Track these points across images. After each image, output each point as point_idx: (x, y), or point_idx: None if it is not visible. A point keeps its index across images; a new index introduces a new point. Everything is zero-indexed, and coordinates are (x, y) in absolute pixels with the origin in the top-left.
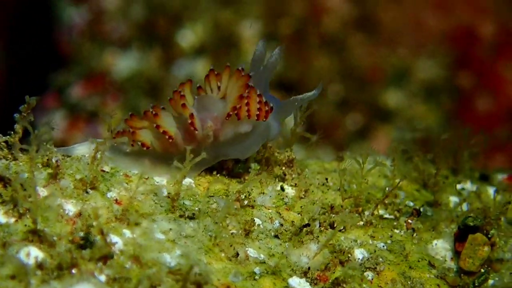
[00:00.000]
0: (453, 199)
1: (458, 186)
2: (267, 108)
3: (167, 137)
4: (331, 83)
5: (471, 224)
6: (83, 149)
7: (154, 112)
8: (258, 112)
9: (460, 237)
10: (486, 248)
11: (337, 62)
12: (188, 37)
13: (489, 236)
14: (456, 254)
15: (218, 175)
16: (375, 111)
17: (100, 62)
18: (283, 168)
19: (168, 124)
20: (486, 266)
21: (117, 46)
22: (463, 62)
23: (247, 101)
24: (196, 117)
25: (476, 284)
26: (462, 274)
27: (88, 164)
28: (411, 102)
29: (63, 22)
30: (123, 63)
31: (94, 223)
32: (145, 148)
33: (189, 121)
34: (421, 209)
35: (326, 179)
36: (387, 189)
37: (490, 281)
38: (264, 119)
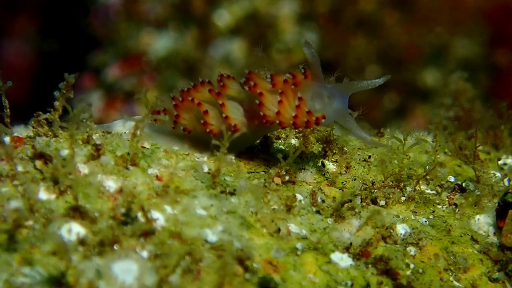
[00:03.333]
0: (495, 174)
1: (500, 162)
2: (315, 121)
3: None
4: (368, 63)
5: (510, 200)
6: (123, 125)
7: (221, 102)
8: (304, 124)
9: (501, 213)
10: None
11: (374, 42)
12: (225, 17)
13: None
14: (498, 230)
15: (258, 151)
16: (413, 90)
17: (136, 42)
18: (323, 144)
19: (214, 120)
20: None
21: (153, 26)
22: (500, 39)
23: (297, 114)
24: (240, 123)
25: None
26: (505, 250)
27: (128, 140)
28: (448, 80)
29: (99, 2)
30: (159, 43)
31: (135, 200)
32: (187, 132)
33: (233, 130)
34: (464, 184)
35: (369, 156)
36: (426, 167)
37: None
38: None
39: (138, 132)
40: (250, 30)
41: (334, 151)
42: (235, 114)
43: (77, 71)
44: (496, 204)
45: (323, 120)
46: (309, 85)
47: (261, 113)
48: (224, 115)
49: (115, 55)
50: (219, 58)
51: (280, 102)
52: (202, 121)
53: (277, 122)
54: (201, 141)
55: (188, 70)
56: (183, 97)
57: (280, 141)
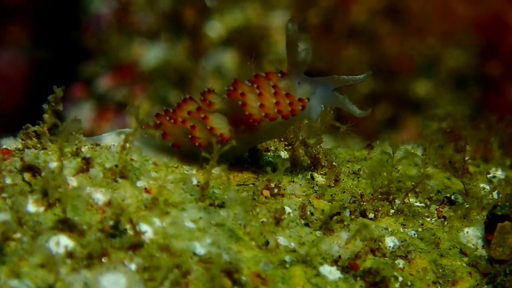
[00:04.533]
0: (484, 187)
1: (489, 175)
2: (300, 105)
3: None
4: (360, 73)
5: (499, 213)
6: (112, 138)
7: (203, 115)
8: (290, 109)
9: (490, 226)
10: None
11: (366, 52)
12: (217, 28)
13: None
14: (487, 242)
15: (247, 164)
16: (404, 101)
17: (128, 52)
18: (312, 159)
19: (201, 133)
20: None
21: (145, 37)
22: (492, 51)
23: (277, 100)
24: (226, 131)
25: (508, 272)
26: (493, 263)
27: (117, 153)
28: (440, 91)
29: (91, 13)
30: (151, 54)
31: (124, 212)
32: (176, 148)
33: (220, 139)
34: (453, 197)
35: (359, 169)
36: (413, 184)
37: None
38: (296, 114)
39: (127, 145)
40: (242, 41)
41: (323, 164)
42: (220, 124)
43: (69, 81)
44: (485, 217)
45: (307, 101)
46: (288, 77)
47: (247, 113)
48: (208, 127)
49: (106, 66)
50: (211, 69)
51: (260, 94)
52: (190, 136)
53: (263, 115)
54: (190, 153)
55: (180, 81)
56: (168, 116)
57: (269, 153)
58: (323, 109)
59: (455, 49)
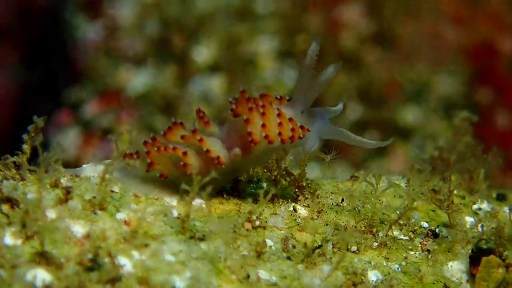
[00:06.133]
0: (470, 220)
1: (475, 207)
2: (301, 133)
3: (216, 162)
4: (349, 100)
5: (484, 247)
6: (92, 169)
7: (199, 138)
8: (291, 134)
9: (474, 260)
10: (500, 270)
11: (354, 78)
12: (204, 53)
13: (503, 258)
14: (472, 277)
15: (229, 196)
16: (393, 128)
17: (115, 78)
18: (295, 189)
19: (193, 160)
20: None
21: (132, 63)
22: (482, 77)
23: (280, 121)
24: (222, 155)
25: None
26: None
27: (96, 184)
28: (429, 118)
29: (78, 38)
30: (138, 80)
31: (102, 245)
32: (163, 178)
33: (216, 162)
34: (437, 230)
35: (342, 200)
36: (397, 212)
37: None
38: (294, 141)
39: (107, 176)
40: (229, 67)
41: (306, 196)
42: (215, 146)
43: (55, 107)
44: (470, 250)
45: (308, 133)
46: (292, 104)
47: (248, 130)
48: (204, 149)
49: (93, 91)
50: (198, 94)
51: (263, 114)
52: (182, 163)
53: (264, 136)
54: (171, 184)
55: (167, 107)
56: (155, 144)
57: (251, 185)
58: (318, 144)
59: (444, 76)
